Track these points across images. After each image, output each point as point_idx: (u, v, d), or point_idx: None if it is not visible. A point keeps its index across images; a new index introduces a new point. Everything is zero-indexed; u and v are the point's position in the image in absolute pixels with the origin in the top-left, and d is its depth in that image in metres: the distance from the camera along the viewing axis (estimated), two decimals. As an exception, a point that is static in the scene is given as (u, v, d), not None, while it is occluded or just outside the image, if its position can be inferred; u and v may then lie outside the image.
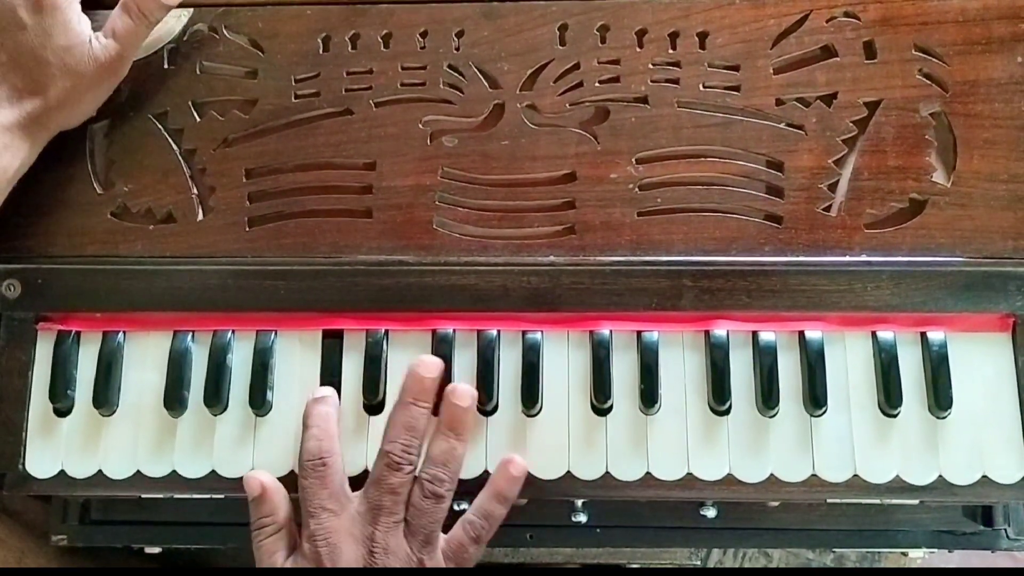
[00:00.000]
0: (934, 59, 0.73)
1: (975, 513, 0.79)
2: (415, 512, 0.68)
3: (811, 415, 0.70)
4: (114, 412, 0.73)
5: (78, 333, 0.74)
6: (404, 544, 0.67)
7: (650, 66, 0.75)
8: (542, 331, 0.73)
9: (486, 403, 0.71)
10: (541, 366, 0.72)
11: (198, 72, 0.77)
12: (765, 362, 0.71)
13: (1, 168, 0.70)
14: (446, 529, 0.70)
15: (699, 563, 0.86)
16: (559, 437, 0.71)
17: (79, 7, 0.72)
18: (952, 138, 0.73)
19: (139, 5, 0.72)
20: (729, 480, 0.70)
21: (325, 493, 0.68)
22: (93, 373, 0.73)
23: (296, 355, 0.74)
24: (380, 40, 0.76)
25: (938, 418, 0.70)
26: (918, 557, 0.84)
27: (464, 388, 0.70)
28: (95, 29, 0.72)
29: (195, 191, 0.75)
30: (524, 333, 0.73)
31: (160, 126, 0.76)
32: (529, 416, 0.71)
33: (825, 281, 0.71)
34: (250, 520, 0.70)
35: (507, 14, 0.76)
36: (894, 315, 0.71)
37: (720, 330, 0.72)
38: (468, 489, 0.70)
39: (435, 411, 0.71)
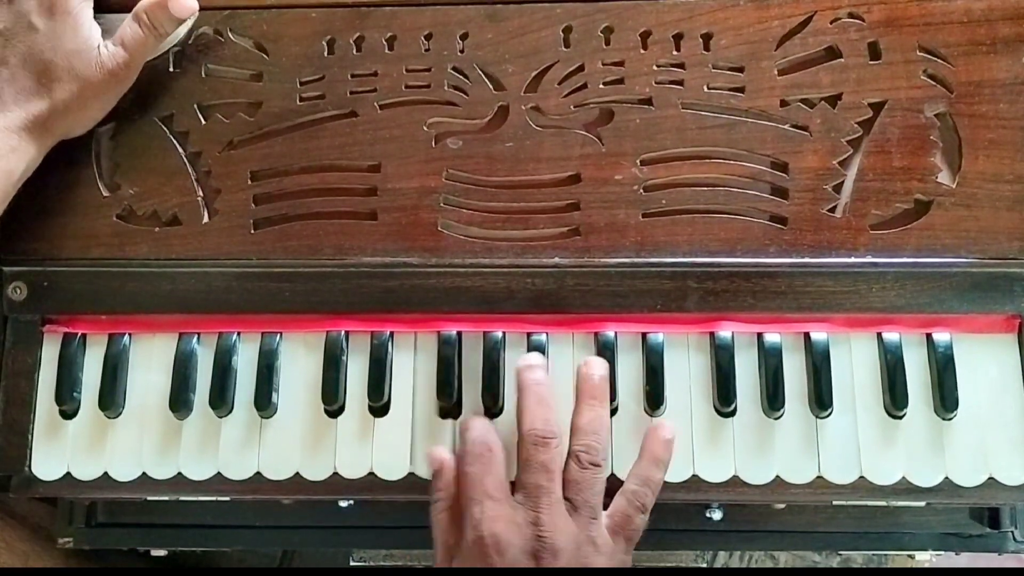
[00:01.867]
0: (939, 60, 0.73)
1: (982, 515, 0.79)
2: (575, 487, 0.66)
3: (817, 416, 0.70)
4: (120, 414, 0.73)
5: (84, 335, 0.75)
6: (570, 523, 0.65)
7: (654, 68, 0.75)
8: (547, 333, 0.73)
9: (492, 405, 0.71)
10: (546, 368, 0.72)
11: (203, 75, 0.77)
12: (770, 363, 0.71)
13: (7, 171, 0.70)
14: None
15: (705, 565, 0.86)
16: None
17: (91, 13, 0.73)
18: (957, 139, 0.72)
19: (150, 16, 0.73)
20: (735, 482, 0.70)
21: (491, 480, 0.65)
22: (99, 375, 0.74)
23: (301, 357, 0.74)
24: (384, 43, 0.76)
25: (944, 419, 0.70)
26: (925, 560, 0.83)
27: (597, 360, 0.70)
28: (104, 34, 0.73)
29: (200, 193, 0.75)
30: (529, 335, 0.73)
31: (165, 129, 0.76)
32: (534, 418, 0.71)
33: (830, 282, 0.71)
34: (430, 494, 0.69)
35: (511, 16, 0.76)
36: (899, 316, 0.71)
37: (725, 332, 0.71)
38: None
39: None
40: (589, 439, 0.67)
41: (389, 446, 0.72)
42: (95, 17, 0.73)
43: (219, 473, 0.72)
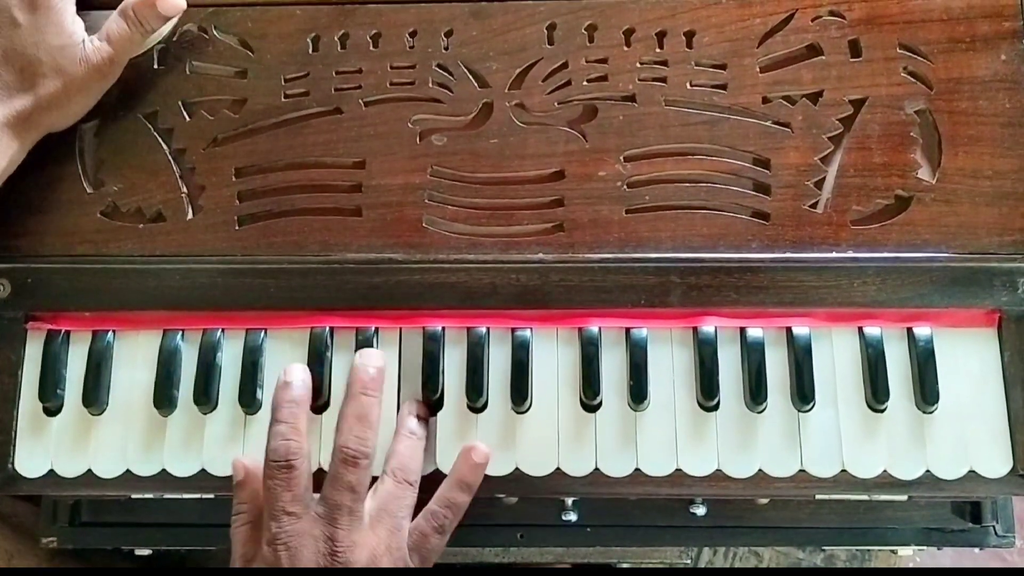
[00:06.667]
0: (919, 57, 0.74)
1: (963, 510, 0.80)
2: (382, 500, 0.68)
3: (799, 411, 0.71)
4: (104, 411, 0.73)
5: (68, 332, 0.74)
6: (370, 538, 0.66)
7: (638, 65, 0.75)
8: (531, 328, 0.73)
9: (476, 400, 0.72)
10: (530, 363, 0.72)
11: (188, 72, 0.77)
12: (753, 358, 0.71)
13: None
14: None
15: (689, 562, 0.86)
16: (548, 434, 0.71)
17: (73, 8, 0.73)
18: (937, 135, 0.73)
19: (137, 12, 0.73)
20: (718, 476, 0.70)
21: (288, 496, 0.66)
22: (83, 372, 0.73)
23: (286, 354, 0.74)
24: (369, 40, 0.76)
25: (925, 413, 0.70)
26: (907, 555, 0.84)
27: (416, 401, 0.72)
28: (88, 31, 0.73)
29: (185, 190, 0.75)
30: (513, 330, 0.73)
31: (150, 125, 0.76)
32: (519, 413, 0.72)
33: (812, 277, 0.72)
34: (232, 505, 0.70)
35: (495, 14, 0.76)
36: (881, 311, 0.71)
37: (708, 326, 0.72)
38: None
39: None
40: (402, 459, 0.69)
41: (374, 442, 0.72)
42: (78, 13, 0.73)
43: (203, 470, 0.72)
